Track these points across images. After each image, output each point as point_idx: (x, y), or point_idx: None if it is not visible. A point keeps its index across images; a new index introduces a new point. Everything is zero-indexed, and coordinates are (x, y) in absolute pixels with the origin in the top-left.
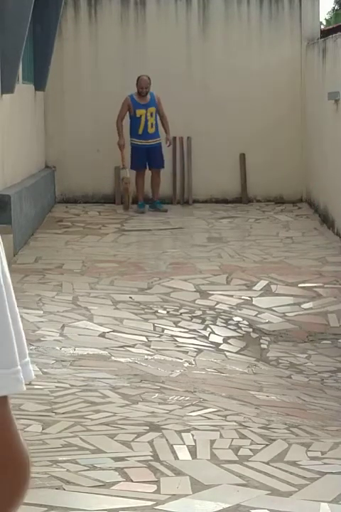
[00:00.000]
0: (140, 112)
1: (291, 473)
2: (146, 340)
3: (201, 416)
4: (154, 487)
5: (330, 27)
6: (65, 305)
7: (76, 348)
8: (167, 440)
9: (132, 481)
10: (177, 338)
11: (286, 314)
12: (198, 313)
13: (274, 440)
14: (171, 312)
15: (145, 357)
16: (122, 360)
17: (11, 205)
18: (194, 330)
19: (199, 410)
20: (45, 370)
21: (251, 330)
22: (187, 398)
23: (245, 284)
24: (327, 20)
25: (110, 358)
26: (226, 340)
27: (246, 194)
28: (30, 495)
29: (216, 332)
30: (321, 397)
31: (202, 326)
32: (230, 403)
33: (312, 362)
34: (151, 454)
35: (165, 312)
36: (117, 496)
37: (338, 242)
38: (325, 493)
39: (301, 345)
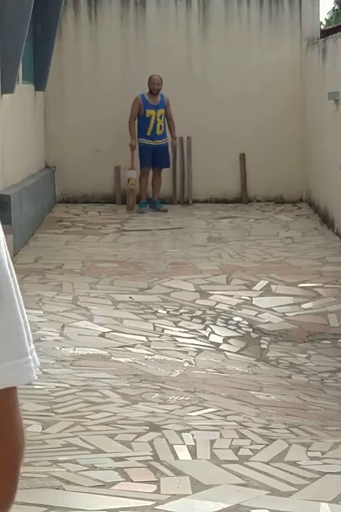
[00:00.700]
0: (150, 113)
1: (291, 473)
2: (146, 340)
3: (201, 416)
4: (154, 487)
5: (330, 27)
6: (65, 305)
7: (76, 348)
8: (167, 440)
9: (132, 481)
10: (177, 338)
11: (286, 314)
12: (198, 313)
13: (274, 440)
14: (171, 312)
15: (145, 357)
16: (122, 360)
17: (10, 205)
18: (194, 330)
19: (199, 410)
20: (45, 370)
21: (251, 330)
22: (187, 398)
23: (245, 284)
24: (327, 20)
25: (110, 358)
26: (226, 340)
27: (246, 194)
28: (30, 495)
29: (216, 332)
30: (321, 397)
31: (202, 326)
32: (230, 403)
33: (312, 362)
34: (151, 454)
35: (165, 312)
36: (117, 496)
37: (338, 242)
38: (325, 493)
39: (301, 345)
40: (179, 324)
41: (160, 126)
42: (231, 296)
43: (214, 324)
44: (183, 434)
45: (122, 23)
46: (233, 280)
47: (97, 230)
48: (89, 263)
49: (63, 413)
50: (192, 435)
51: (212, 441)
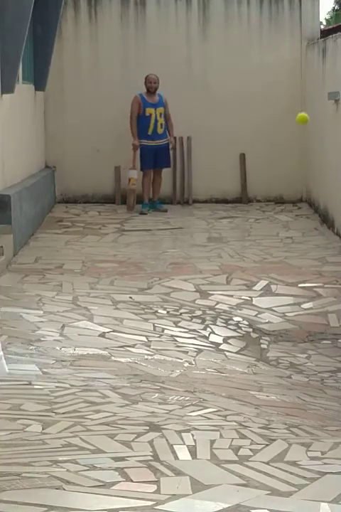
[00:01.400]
0: (149, 111)
1: (291, 473)
2: (146, 340)
3: (201, 416)
4: (154, 487)
5: (330, 27)
6: (65, 305)
7: (76, 348)
8: (167, 440)
9: (132, 481)
10: (177, 338)
11: (286, 314)
12: (198, 313)
13: (274, 440)
14: (171, 312)
15: (145, 357)
16: (122, 360)
17: (11, 205)
18: (194, 330)
19: (199, 410)
20: (45, 370)
21: (251, 330)
22: (187, 398)
23: (245, 284)
24: (327, 20)
25: (110, 358)
26: (226, 340)
27: (246, 194)
28: (30, 495)
29: (216, 332)
30: (321, 397)
31: (202, 326)
32: (230, 403)
33: (312, 362)
34: (151, 454)
35: (165, 312)
36: (117, 496)
37: (338, 242)
38: (325, 493)
39: (301, 345)
40: (179, 324)
41: (161, 124)
42: (231, 296)
43: (214, 324)
44: (183, 434)
45: (122, 23)
46: (233, 280)
47: (97, 230)
48: (89, 263)
49: (63, 413)
50: (192, 435)
51: (212, 441)
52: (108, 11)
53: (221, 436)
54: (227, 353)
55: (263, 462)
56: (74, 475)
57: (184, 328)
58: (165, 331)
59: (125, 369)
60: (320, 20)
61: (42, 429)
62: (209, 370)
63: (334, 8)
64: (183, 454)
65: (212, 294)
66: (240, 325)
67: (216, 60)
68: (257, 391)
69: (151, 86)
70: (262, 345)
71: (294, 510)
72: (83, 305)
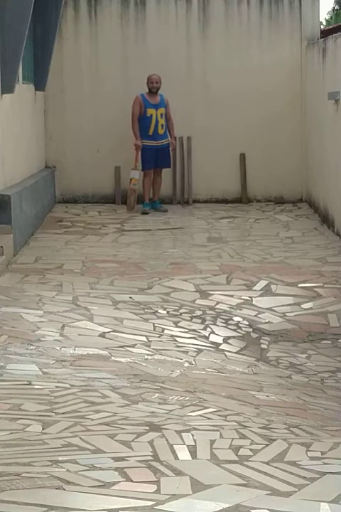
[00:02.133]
0: (150, 111)
1: (291, 473)
2: (146, 340)
3: (201, 416)
4: (154, 487)
5: (330, 27)
6: (65, 305)
7: (76, 348)
8: (167, 440)
9: (132, 481)
10: (177, 338)
11: (286, 314)
12: (198, 313)
13: (274, 440)
14: (171, 312)
15: (145, 357)
16: (122, 360)
17: (11, 205)
18: (194, 330)
19: (199, 410)
20: (45, 370)
21: (251, 330)
22: (187, 398)
23: (245, 284)
24: (327, 20)
25: (110, 358)
26: (226, 340)
27: (246, 194)
28: (30, 495)
29: (216, 332)
30: (321, 397)
31: (202, 326)
32: (230, 403)
33: (312, 362)
34: (151, 454)
35: (165, 312)
36: (117, 496)
37: (338, 242)
38: (325, 493)
39: (301, 345)
40: (179, 324)
41: (162, 125)
42: (231, 296)
43: (214, 324)
44: (183, 434)
45: (122, 23)
46: (233, 280)
47: (97, 230)
48: (89, 263)
49: (63, 413)
50: (192, 435)
51: (212, 441)
52: (108, 11)
53: (221, 436)
54: (227, 353)
55: (263, 462)
56: (74, 475)
57: (184, 328)
58: (165, 331)
59: (125, 369)
60: (320, 20)
61: (42, 429)
62: (209, 370)
63: (334, 8)
64: (183, 454)
65: (212, 294)
66: (240, 325)
67: (216, 60)
68: (257, 391)
69: (153, 86)
70: (262, 345)
71: (294, 510)
72: (83, 305)
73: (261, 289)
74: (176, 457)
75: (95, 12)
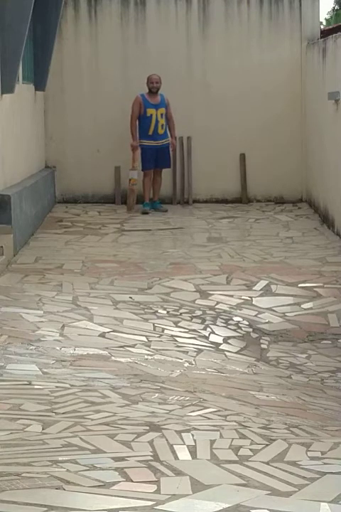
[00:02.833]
0: (150, 111)
1: (291, 473)
2: (146, 340)
3: (201, 416)
4: (154, 487)
5: (330, 27)
6: (65, 305)
7: (76, 348)
8: (167, 440)
9: (132, 481)
10: (177, 338)
11: (286, 314)
12: (198, 313)
13: (274, 440)
14: (171, 312)
15: (145, 357)
16: (122, 360)
17: (11, 205)
18: (194, 330)
19: (199, 410)
20: (45, 370)
21: (251, 330)
22: (187, 398)
23: (245, 284)
24: (327, 20)
25: (110, 358)
26: (226, 340)
27: (246, 194)
28: (30, 495)
29: (216, 332)
30: (321, 397)
31: (202, 326)
32: (230, 403)
33: (312, 362)
34: (151, 454)
35: (165, 312)
36: (117, 496)
37: (338, 242)
38: (325, 493)
39: (301, 345)
40: (179, 324)
41: (162, 125)
42: (231, 296)
43: (214, 324)
44: (183, 434)
45: (122, 23)
46: (233, 280)
47: (97, 230)
48: (89, 263)
49: (63, 413)
50: (192, 435)
51: (212, 441)
52: (108, 11)
53: (221, 436)
54: (227, 353)
55: (263, 462)
56: (74, 475)
57: (184, 328)
58: (165, 331)
59: (125, 369)
60: (320, 20)
61: (42, 429)
62: (209, 370)
63: (334, 8)
64: (183, 454)
65: (212, 294)
66: (240, 325)
67: (216, 60)
68: (257, 391)
69: (153, 86)
70: (262, 345)
71: (294, 510)
72: (83, 305)
73: (261, 289)
74: (176, 457)
75: (95, 12)
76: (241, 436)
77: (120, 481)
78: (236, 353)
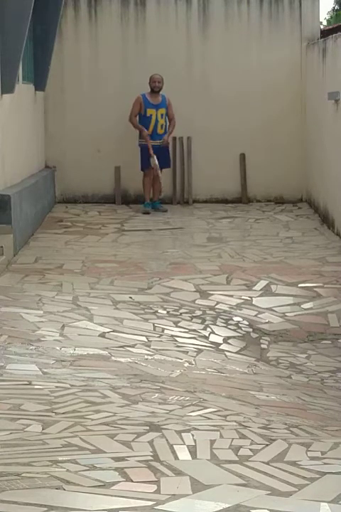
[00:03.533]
0: (150, 112)
1: (291, 473)
2: (146, 340)
3: (201, 416)
4: (154, 487)
5: (330, 27)
6: (65, 305)
7: (76, 348)
8: (167, 440)
9: (132, 481)
10: (177, 338)
11: (286, 314)
12: (198, 313)
13: (274, 440)
14: (171, 312)
15: (145, 357)
16: (122, 360)
17: (11, 205)
18: (194, 330)
19: (199, 410)
20: (45, 370)
21: (251, 330)
22: (187, 398)
23: (245, 284)
24: (327, 20)
25: (110, 358)
26: (226, 340)
27: (246, 194)
28: (30, 495)
29: (216, 332)
30: (321, 397)
31: (202, 326)
32: (230, 403)
33: (312, 362)
34: (151, 454)
35: (165, 312)
36: (117, 496)
37: (338, 242)
38: (325, 493)
39: (301, 345)
40: (179, 324)
41: (162, 125)
42: (231, 296)
43: (214, 324)
44: (183, 434)
45: (122, 23)
46: (233, 280)
47: (97, 230)
48: (89, 263)
49: (63, 413)
50: (192, 435)
51: (212, 441)
52: (108, 11)
53: (221, 436)
54: (227, 353)
55: (263, 462)
56: (74, 475)
57: (184, 328)
58: (165, 331)
59: (125, 369)
60: (320, 20)
61: (42, 429)
62: (209, 370)
63: (334, 8)
64: (183, 454)
65: (212, 294)
66: (240, 325)
67: (216, 60)
68: (257, 391)
69: (155, 86)
70: (262, 345)
71: (294, 510)
72: (83, 305)
73: (261, 289)
74: (176, 457)
75: (95, 12)
76: (241, 436)
77: (120, 481)
78: (236, 353)
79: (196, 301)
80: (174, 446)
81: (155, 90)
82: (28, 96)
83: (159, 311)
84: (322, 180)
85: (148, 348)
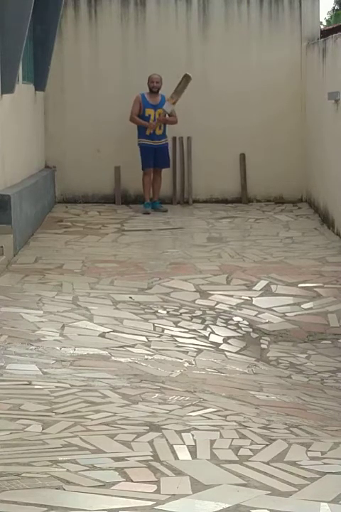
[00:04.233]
0: (149, 112)
1: (291, 473)
2: (146, 340)
3: (201, 416)
4: (154, 487)
5: (330, 27)
6: (65, 305)
7: (76, 348)
8: (167, 440)
9: (132, 481)
10: (177, 338)
11: (286, 314)
12: (198, 313)
13: (274, 440)
14: (171, 312)
15: (145, 357)
16: (122, 360)
17: (11, 205)
18: (194, 330)
19: (199, 410)
20: (45, 370)
21: (251, 330)
22: (187, 398)
23: (245, 284)
24: (327, 20)
25: (110, 358)
26: (226, 340)
27: (246, 194)
28: (30, 495)
29: (216, 332)
30: (321, 397)
31: (202, 326)
32: (230, 403)
33: (312, 362)
34: (151, 454)
35: (165, 312)
36: (117, 496)
37: (338, 242)
38: (325, 493)
39: (301, 345)
40: (179, 324)
41: (160, 126)
42: (231, 296)
43: (214, 324)
44: (183, 434)
45: (122, 23)
46: (233, 280)
47: (97, 230)
48: (89, 263)
49: (63, 413)
50: (192, 435)
51: (212, 441)
52: (108, 11)
53: (221, 436)
54: (227, 353)
55: (263, 462)
56: (74, 475)
57: (184, 328)
58: (165, 331)
59: (125, 369)
60: (320, 20)
61: (42, 429)
62: (209, 370)
63: (334, 8)
64: (183, 454)
65: (212, 294)
66: (240, 325)
67: (216, 60)
68: (257, 391)
69: (154, 86)
70: (262, 345)
71: (294, 510)
72: (83, 305)
73: (261, 289)
74: (176, 457)
75: (95, 12)
76: (241, 436)
77: (120, 481)
78: (236, 353)
79: (196, 301)
80: (174, 446)
81: (153, 90)
82: (28, 96)
83: (159, 311)
84: (322, 180)
85: (148, 348)
